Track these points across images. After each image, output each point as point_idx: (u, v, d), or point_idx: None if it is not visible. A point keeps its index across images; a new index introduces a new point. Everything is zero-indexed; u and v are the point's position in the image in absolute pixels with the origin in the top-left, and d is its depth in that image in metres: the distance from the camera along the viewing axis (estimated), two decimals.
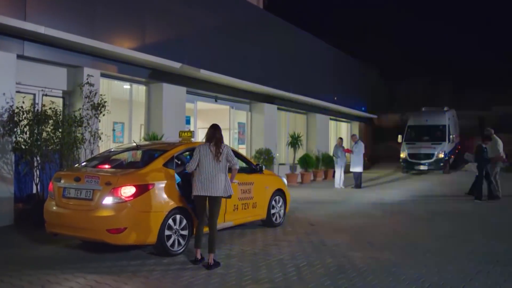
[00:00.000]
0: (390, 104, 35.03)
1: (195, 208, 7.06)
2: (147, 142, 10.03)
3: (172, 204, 7.13)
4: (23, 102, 9.41)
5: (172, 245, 7.10)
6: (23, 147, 9.33)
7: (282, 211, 9.81)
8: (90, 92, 10.42)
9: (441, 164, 23.47)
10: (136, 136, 13.21)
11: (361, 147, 17.47)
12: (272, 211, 9.51)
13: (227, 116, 17.35)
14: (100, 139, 10.59)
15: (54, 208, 7.22)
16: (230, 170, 7.07)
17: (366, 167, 20.91)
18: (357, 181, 17.40)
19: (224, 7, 15.83)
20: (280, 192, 9.77)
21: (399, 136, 25.17)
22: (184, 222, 7.29)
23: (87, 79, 10.41)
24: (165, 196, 7.10)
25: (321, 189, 17.30)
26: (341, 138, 18.55)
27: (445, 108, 25.87)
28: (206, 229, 6.92)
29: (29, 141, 9.30)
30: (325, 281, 5.95)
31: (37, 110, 9.69)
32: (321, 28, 34.80)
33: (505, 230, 9.63)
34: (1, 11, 8.90)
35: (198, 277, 6.12)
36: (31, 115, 9.37)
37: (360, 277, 6.11)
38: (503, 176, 15.04)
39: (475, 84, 36.58)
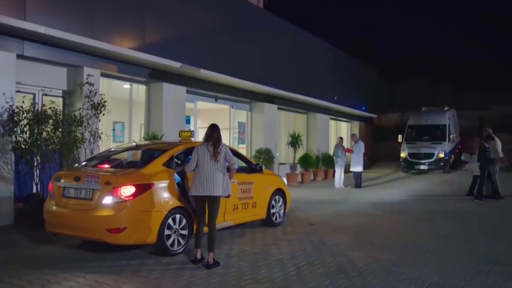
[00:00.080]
0: (390, 104, 35.01)
1: (195, 207, 7.06)
2: (147, 142, 10.03)
3: (172, 203, 7.13)
4: (23, 102, 9.41)
5: (172, 244, 7.10)
6: (23, 146, 9.33)
7: (282, 210, 9.81)
8: (90, 92, 10.41)
9: (441, 163, 23.47)
10: (136, 135, 13.21)
11: (361, 147, 17.47)
12: (272, 211, 9.51)
13: (227, 116, 17.35)
14: (100, 138, 10.59)
15: (54, 207, 7.23)
16: (229, 169, 7.08)
17: (366, 166, 20.91)
18: (357, 181, 17.39)
19: (224, 7, 15.82)
20: (280, 192, 9.76)
21: (399, 136, 25.17)
22: (184, 221, 7.29)
23: (87, 78, 10.41)
24: (164, 195, 7.10)
25: (321, 189, 17.30)
26: (341, 138, 18.55)
27: (445, 108, 25.87)
28: (206, 229, 6.93)
29: (29, 140, 9.30)
30: (325, 281, 5.95)
31: (37, 109, 9.69)
32: (321, 27, 34.78)
33: (505, 230, 9.63)
34: (1, 10, 8.89)
35: (197, 276, 6.12)
36: (31, 114, 9.37)
37: (360, 277, 6.11)
38: (503, 176, 15.02)
39: (475, 83, 36.56)
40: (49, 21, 9.68)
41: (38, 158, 9.50)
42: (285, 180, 10.36)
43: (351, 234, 8.86)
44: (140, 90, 13.46)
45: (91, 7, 11.01)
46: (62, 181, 7.26)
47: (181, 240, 7.23)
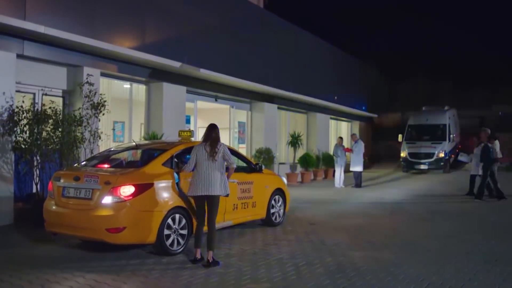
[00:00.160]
0: (390, 104, 35.01)
1: (194, 208, 7.07)
2: (146, 142, 10.04)
3: (171, 203, 7.14)
4: (23, 102, 9.42)
5: (172, 244, 7.10)
6: (23, 146, 9.34)
7: (282, 210, 9.81)
8: (90, 92, 10.42)
9: (442, 163, 23.48)
10: (136, 135, 13.21)
11: (361, 147, 17.47)
12: (272, 211, 9.51)
13: (227, 116, 17.35)
14: (100, 138, 10.60)
15: (54, 207, 7.23)
16: (228, 169, 7.09)
17: (366, 166, 20.90)
18: (357, 181, 17.40)
19: (224, 6, 15.83)
20: (279, 192, 9.76)
21: (400, 136, 25.18)
22: (184, 221, 7.29)
23: (87, 78, 10.42)
24: (164, 195, 7.11)
25: (321, 188, 17.30)
26: (341, 138, 18.54)
27: (446, 108, 25.87)
28: (205, 229, 6.93)
29: (29, 140, 9.31)
30: (324, 281, 5.95)
31: (37, 109, 9.70)
32: (321, 27, 34.79)
33: (505, 230, 9.63)
34: (1, 10, 8.90)
35: (197, 276, 6.13)
36: (31, 114, 9.37)
37: (359, 277, 6.11)
38: (503, 176, 15.01)
39: (475, 83, 36.56)
40: (49, 21, 9.69)
41: (38, 157, 9.51)
42: (285, 180, 10.36)
43: (350, 234, 8.86)
44: (140, 89, 13.47)
45: (91, 7, 11.02)
46: (61, 181, 7.27)
47: (180, 240, 7.23)
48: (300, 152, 20.39)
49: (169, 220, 7.07)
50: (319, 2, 43.44)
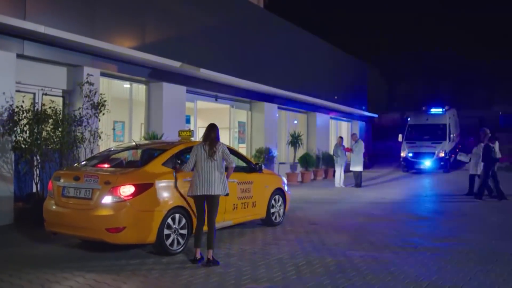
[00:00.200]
0: (390, 103, 35.03)
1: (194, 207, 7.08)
2: (146, 141, 10.04)
3: (171, 203, 7.14)
4: (23, 101, 9.42)
5: (171, 244, 7.10)
6: (23, 146, 9.34)
7: (282, 210, 9.81)
8: (90, 91, 10.42)
9: (442, 163, 23.49)
10: (137, 135, 13.22)
11: (361, 146, 17.47)
12: (272, 210, 9.51)
13: (227, 115, 17.35)
14: (100, 138, 10.60)
15: (54, 207, 7.24)
16: (227, 168, 7.10)
17: (366, 166, 20.90)
18: (357, 180, 17.40)
19: (224, 6, 15.82)
20: (279, 191, 9.76)
21: (400, 135, 25.19)
22: (184, 221, 7.29)
23: (87, 78, 10.42)
24: (164, 195, 7.11)
25: (322, 188, 17.30)
26: (341, 137, 18.54)
27: (446, 108, 25.88)
28: (205, 228, 6.94)
29: (29, 140, 9.31)
30: (324, 280, 5.95)
31: (37, 109, 9.70)
32: (322, 27, 34.78)
33: (505, 230, 9.63)
34: (1, 10, 8.90)
35: (197, 276, 6.13)
36: (31, 114, 9.37)
37: (359, 276, 6.11)
38: (503, 176, 15.01)
39: (475, 83, 36.57)
40: (49, 20, 9.68)
41: (38, 157, 9.51)
42: (284, 179, 10.36)
43: (350, 234, 8.86)
44: (140, 89, 13.47)
45: (91, 6, 11.02)
46: (61, 180, 7.27)
47: (180, 239, 7.23)
48: (300, 152, 20.39)
49: (169, 220, 7.08)
50: (319, 2, 43.44)
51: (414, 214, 11.40)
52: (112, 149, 8.87)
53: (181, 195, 7.27)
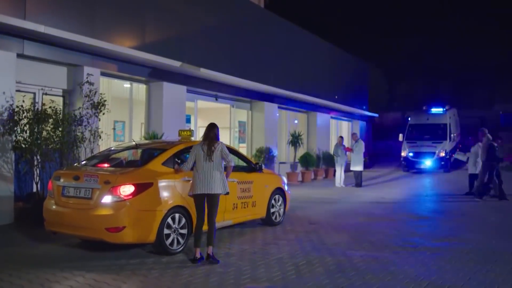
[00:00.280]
0: (391, 103, 35.04)
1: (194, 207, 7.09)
2: (146, 141, 10.04)
3: (171, 202, 7.14)
4: (23, 101, 9.43)
5: (171, 244, 7.11)
6: (23, 146, 9.34)
7: (282, 210, 9.81)
8: (90, 91, 10.42)
9: (442, 163, 23.49)
10: (137, 134, 13.22)
11: (361, 146, 17.46)
12: (272, 210, 9.51)
13: (227, 115, 17.35)
14: (100, 138, 10.60)
15: (54, 206, 7.24)
16: (226, 168, 7.11)
17: (366, 166, 20.90)
18: (357, 180, 17.40)
19: (224, 6, 15.82)
20: (279, 191, 9.76)
21: (400, 135, 25.19)
22: (183, 220, 7.30)
23: (87, 78, 10.42)
24: (164, 194, 7.11)
25: (322, 188, 17.30)
26: (341, 137, 18.54)
27: (446, 107, 25.88)
28: (205, 228, 6.95)
29: (29, 140, 9.32)
30: (323, 280, 5.95)
31: (37, 109, 9.71)
32: (322, 27, 34.77)
33: (505, 229, 9.62)
34: (1, 10, 8.90)
35: (197, 275, 6.13)
36: (31, 114, 9.38)
37: (359, 276, 6.11)
38: (504, 175, 14.97)
39: (476, 82, 36.55)
40: (49, 20, 9.68)
41: (38, 157, 9.52)
42: (285, 179, 10.36)
43: (350, 234, 8.86)
44: (140, 89, 13.48)
45: (91, 6, 11.02)
46: (61, 180, 7.27)
47: (180, 239, 7.24)
48: (301, 152, 20.39)
49: (169, 220, 7.08)
50: (320, 1, 43.41)
51: (414, 214, 11.39)
52: (112, 148, 8.88)
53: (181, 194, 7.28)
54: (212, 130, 6.93)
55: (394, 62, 38.78)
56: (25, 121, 9.33)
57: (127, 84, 13.16)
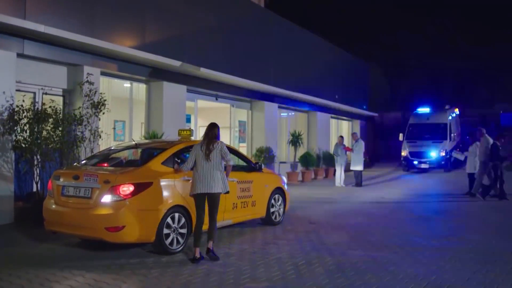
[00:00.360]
0: (391, 103, 35.03)
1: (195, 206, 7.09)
2: (146, 141, 10.04)
3: (170, 202, 7.14)
4: (23, 101, 9.43)
5: (171, 243, 7.11)
6: (23, 145, 9.35)
7: (282, 209, 9.81)
8: (90, 91, 10.43)
9: (442, 162, 23.49)
10: (137, 134, 13.22)
11: (361, 146, 17.46)
12: (272, 210, 9.51)
13: (227, 115, 17.35)
14: (100, 137, 10.61)
15: (53, 206, 7.25)
16: (226, 167, 7.13)
17: (366, 165, 20.90)
18: (357, 180, 17.39)
19: (225, 5, 15.82)
20: (279, 191, 9.76)
21: (400, 135, 25.19)
22: (183, 220, 7.30)
23: (87, 77, 10.43)
24: (163, 194, 7.11)
25: (322, 188, 17.30)
26: (341, 137, 18.54)
27: (446, 107, 25.88)
28: (205, 228, 6.96)
29: (29, 139, 9.33)
30: (323, 280, 5.95)
31: (37, 108, 9.71)
32: (323, 26, 34.76)
33: (505, 229, 9.61)
34: (1, 10, 8.90)
35: (196, 275, 6.13)
36: (31, 113, 9.39)
37: (358, 276, 6.11)
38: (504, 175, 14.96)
39: (476, 82, 36.53)
40: (49, 20, 9.69)
41: (38, 157, 9.52)
42: (284, 179, 10.36)
43: (350, 233, 8.86)
44: (140, 88, 13.48)
45: (91, 6, 11.02)
46: (61, 179, 7.28)
47: (180, 239, 7.24)
48: (301, 151, 20.39)
49: (169, 219, 7.08)
50: (320, 1, 43.38)
51: (414, 214, 11.38)
52: (112, 148, 8.88)
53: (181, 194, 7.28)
54: (211, 130, 6.95)
55: (395, 61, 38.74)
56: (25, 120, 9.33)
57: (127, 84, 13.16)
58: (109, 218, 6.68)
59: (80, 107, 10.40)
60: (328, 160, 21.62)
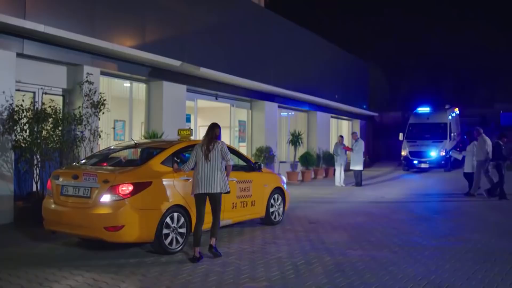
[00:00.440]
0: (391, 102, 35.02)
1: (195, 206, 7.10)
2: (146, 140, 10.05)
3: (170, 202, 7.15)
4: (23, 101, 9.44)
5: (170, 243, 7.11)
6: (23, 145, 9.36)
7: (281, 209, 9.81)
8: (90, 90, 10.44)
9: (442, 162, 23.49)
10: (137, 134, 13.23)
11: (361, 145, 17.46)
12: (271, 209, 9.51)
13: (227, 114, 17.35)
14: (100, 137, 10.61)
15: (53, 206, 7.25)
16: (226, 167, 7.14)
17: (366, 165, 20.90)
18: (357, 179, 17.39)
19: (224, 5, 15.81)
20: (279, 190, 9.76)
21: (400, 134, 25.19)
22: (182, 220, 7.30)
23: (86, 77, 10.44)
24: (163, 194, 7.12)
25: (322, 187, 17.30)
26: (341, 136, 18.54)
27: (446, 106, 25.88)
28: (204, 227, 6.97)
29: (29, 139, 9.33)
30: (322, 280, 5.95)
31: (37, 108, 9.72)
32: (322, 26, 34.73)
33: (505, 229, 9.60)
34: (1, 9, 8.91)
35: (196, 275, 6.13)
36: (31, 113, 9.39)
37: (357, 275, 6.11)
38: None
39: (476, 82, 36.50)
40: (48, 19, 9.69)
41: (38, 156, 9.53)
42: (284, 178, 10.36)
43: (350, 233, 8.86)
44: (140, 88, 13.48)
45: (91, 5, 11.02)
46: (60, 179, 7.28)
47: (179, 238, 7.24)
48: (301, 151, 20.39)
49: (168, 219, 7.08)
50: (320, 1, 43.35)
51: (413, 213, 11.38)
52: (111, 148, 8.89)
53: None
54: (212, 130, 6.97)
55: (395, 61, 38.72)
56: (25, 120, 9.34)
57: (127, 83, 13.17)
58: (108, 217, 6.68)
59: (80, 107, 10.40)
60: (328, 160, 21.62)
